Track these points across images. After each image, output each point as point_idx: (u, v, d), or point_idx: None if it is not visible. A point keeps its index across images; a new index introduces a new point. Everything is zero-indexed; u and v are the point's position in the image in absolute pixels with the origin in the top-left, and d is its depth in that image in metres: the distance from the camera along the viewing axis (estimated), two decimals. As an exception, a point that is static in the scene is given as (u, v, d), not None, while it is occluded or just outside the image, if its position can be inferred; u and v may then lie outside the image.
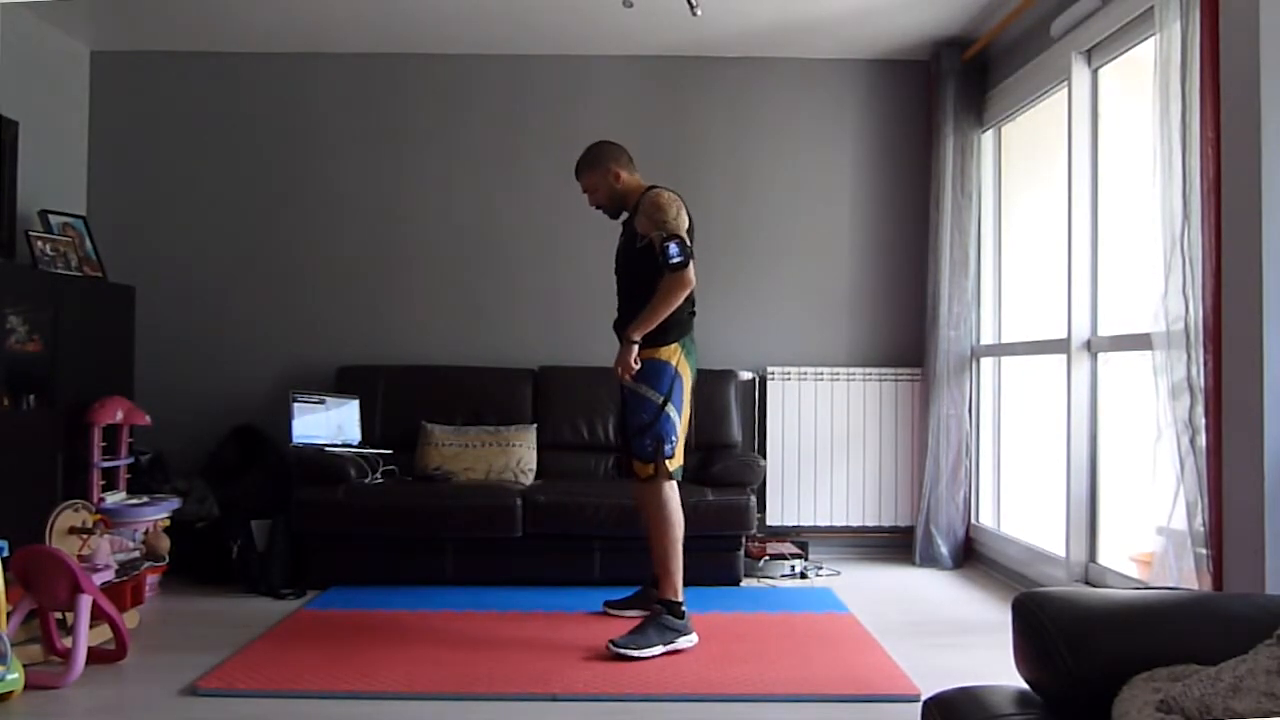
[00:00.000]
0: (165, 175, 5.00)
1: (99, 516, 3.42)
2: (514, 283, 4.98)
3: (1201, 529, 2.73)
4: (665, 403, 3.26)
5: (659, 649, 3.11)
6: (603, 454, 4.68)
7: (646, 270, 3.27)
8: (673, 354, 3.30)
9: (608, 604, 3.67)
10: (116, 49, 4.97)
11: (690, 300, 3.35)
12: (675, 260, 3.17)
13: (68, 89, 4.86)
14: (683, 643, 3.18)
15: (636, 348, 3.25)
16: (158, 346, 4.87)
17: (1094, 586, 3.63)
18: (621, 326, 3.35)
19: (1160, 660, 1.38)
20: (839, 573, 4.47)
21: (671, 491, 3.30)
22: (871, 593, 4.11)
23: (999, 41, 4.54)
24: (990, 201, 4.73)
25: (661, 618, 3.18)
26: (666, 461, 3.27)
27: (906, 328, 4.96)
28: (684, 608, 3.25)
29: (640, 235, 3.30)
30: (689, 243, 3.24)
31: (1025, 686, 1.54)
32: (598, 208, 3.51)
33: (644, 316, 3.24)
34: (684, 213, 3.28)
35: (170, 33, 4.77)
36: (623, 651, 3.07)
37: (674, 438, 3.27)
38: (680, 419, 3.31)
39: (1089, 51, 3.77)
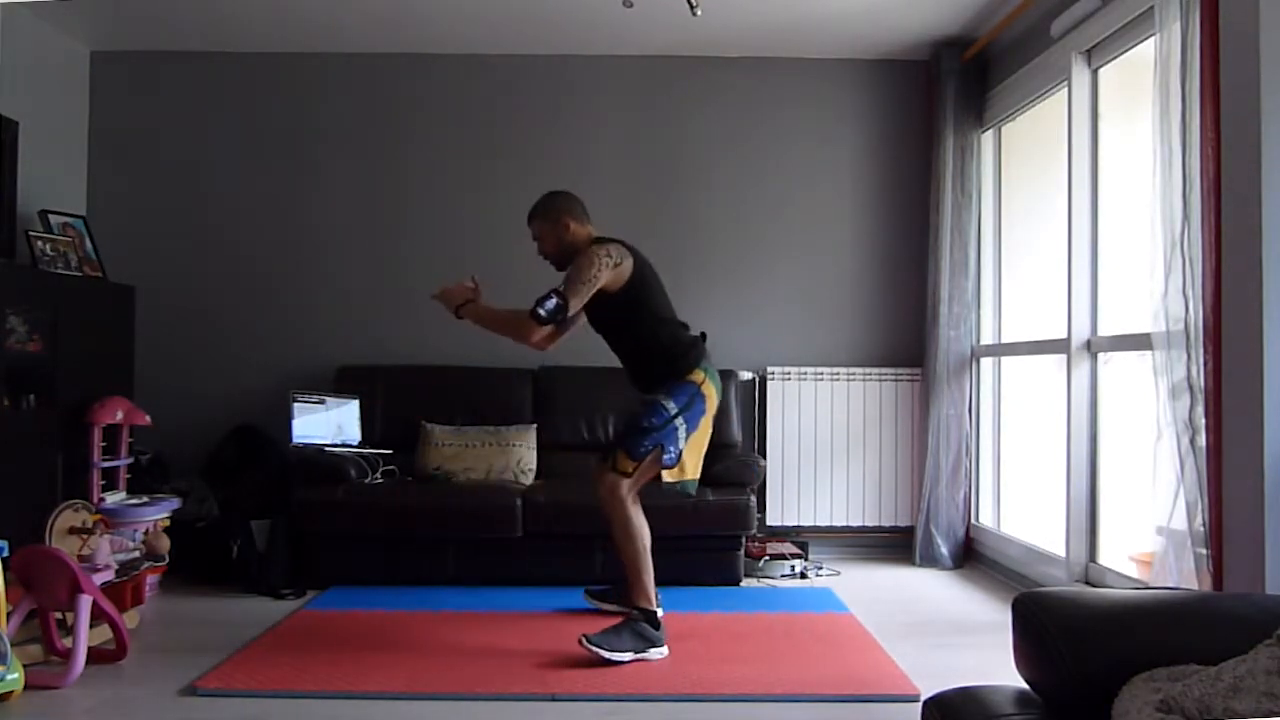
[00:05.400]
0: (165, 175, 5.00)
1: (99, 516, 3.42)
2: (514, 283, 4.94)
3: (1201, 529, 2.73)
4: (678, 414, 3.24)
5: (629, 655, 3.06)
6: (603, 454, 4.68)
7: (616, 318, 3.32)
8: (698, 376, 3.31)
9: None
10: (116, 49, 4.96)
11: (684, 326, 3.40)
12: (540, 314, 3.12)
13: (68, 89, 4.86)
14: (653, 654, 3.12)
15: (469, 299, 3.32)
16: (158, 346, 4.86)
17: (1094, 586, 3.63)
18: (634, 381, 3.40)
19: (1160, 660, 1.38)
20: (839, 573, 4.47)
21: (633, 500, 3.28)
22: (871, 593, 4.11)
23: (999, 41, 4.54)
24: (990, 201, 4.73)
25: (638, 624, 3.15)
26: (664, 471, 3.24)
27: (906, 328, 4.96)
28: (659, 616, 3.21)
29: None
30: (567, 314, 3.17)
31: (1025, 686, 1.54)
32: (545, 256, 3.45)
33: (491, 314, 3.29)
34: (610, 272, 3.20)
35: (170, 33, 4.77)
36: (595, 649, 3.02)
37: (674, 449, 3.24)
38: (690, 437, 3.27)
39: (1089, 51, 3.77)
